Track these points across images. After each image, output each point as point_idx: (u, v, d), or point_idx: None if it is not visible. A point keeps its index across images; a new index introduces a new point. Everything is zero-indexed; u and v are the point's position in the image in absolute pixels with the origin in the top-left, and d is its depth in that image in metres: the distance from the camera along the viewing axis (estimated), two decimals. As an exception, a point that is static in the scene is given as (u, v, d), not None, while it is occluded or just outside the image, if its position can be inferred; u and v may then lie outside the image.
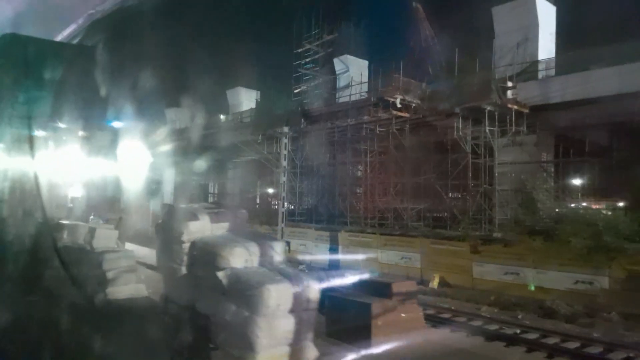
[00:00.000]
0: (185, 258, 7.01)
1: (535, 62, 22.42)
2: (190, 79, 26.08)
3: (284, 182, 22.55)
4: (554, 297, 14.15)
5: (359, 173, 28.25)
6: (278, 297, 5.57)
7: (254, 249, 6.53)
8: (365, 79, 30.55)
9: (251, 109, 36.27)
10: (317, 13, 32.18)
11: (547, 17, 23.25)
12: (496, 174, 21.06)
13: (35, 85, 5.30)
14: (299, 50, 33.62)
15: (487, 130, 20.43)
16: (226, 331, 5.85)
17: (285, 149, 22.40)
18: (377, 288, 8.55)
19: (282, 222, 22.61)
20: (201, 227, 7.06)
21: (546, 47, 23.26)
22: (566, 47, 23.73)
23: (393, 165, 24.55)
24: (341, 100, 31.08)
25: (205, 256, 6.57)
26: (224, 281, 6.03)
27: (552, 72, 22.35)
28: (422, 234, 19.77)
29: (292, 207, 29.26)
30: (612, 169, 20.44)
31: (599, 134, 21.09)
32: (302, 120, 28.78)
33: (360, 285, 9.31)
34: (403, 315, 7.64)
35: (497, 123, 20.58)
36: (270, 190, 33.83)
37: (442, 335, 9.94)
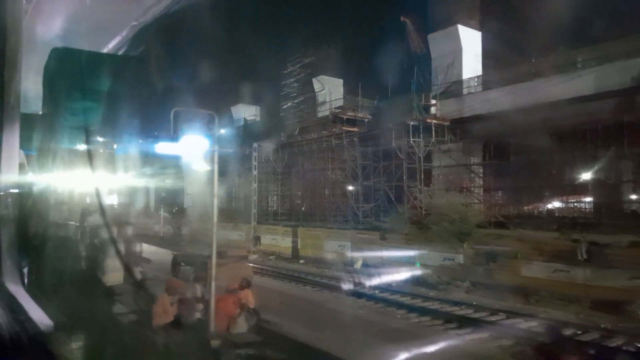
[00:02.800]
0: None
1: (460, 81, 26.63)
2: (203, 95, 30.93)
3: (255, 188, 27.66)
4: (431, 271, 18.60)
5: (323, 179, 32.97)
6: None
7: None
8: (340, 96, 35.29)
9: (239, 125, 41.13)
10: (299, 37, 37.19)
11: (471, 42, 27.37)
12: (420, 177, 25.43)
13: (85, 97, 5.47)
14: (285, 72, 38.73)
15: (411, 141, 24.88)
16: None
17: (255, 161, 27.50)
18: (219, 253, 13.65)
19: (254, 220, 27.76)
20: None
21: (472, 67, 27.38)
22: (494, 66, 27.73)
23: (347, 171, 29.22)
24: (320, 115, 35.89)
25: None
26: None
27: (480, 88, 26.54)
28: (352, 227, 24.37)
29: (275, 208, 34.32)
30: (508, 170, 24.48)
31: (508, 142, 25.13)
32: (282, 134, 33.81)
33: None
34: (232, 267, 12.38)
35: (421, 135, 25.00)
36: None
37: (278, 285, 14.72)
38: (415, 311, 13.63)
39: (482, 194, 25.84)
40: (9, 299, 2.45)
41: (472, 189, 26.07)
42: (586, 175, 21.21)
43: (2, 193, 2.81)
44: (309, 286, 17.50)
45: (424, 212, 19.76)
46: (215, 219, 8.11)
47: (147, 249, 18.47)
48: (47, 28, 5.27)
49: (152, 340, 6.56)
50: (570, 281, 14.92)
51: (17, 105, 2.89)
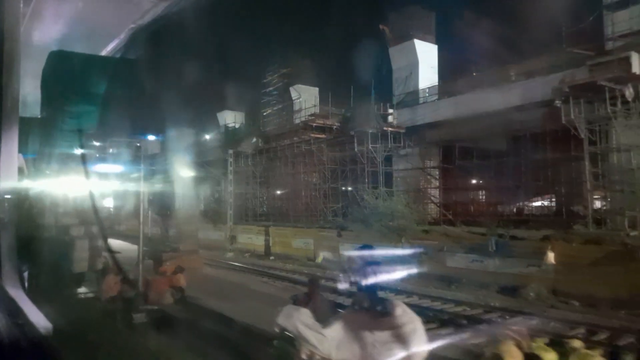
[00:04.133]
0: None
1: (416, 92, 29.10)
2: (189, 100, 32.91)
3: (231, 191, 30.15)
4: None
5: (297, 182, 35.40)
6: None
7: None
8: (316, 103, 37.73)
9: (218, 131, 43.32)
10: (279, 48, 39.68)
11: (428, 55, 29.84)
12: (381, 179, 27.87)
13: (83, 100, 5.47)
14: (265, 81, 41.27)
15: (370, 147, 27.32)
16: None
17: (231, 166, 30.00)
18: (174, 248, 16.16)
19: (230, 221, 30.25)
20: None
21: (430, 78, 29.83)
22: (446, 77, 30.23)
23: (317, 174, 31.69)
24: (296, 121, 38.33)
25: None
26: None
27: (435, 97, 28.99)
28: (321, 226, 26.82)
29: (255, 209, 36.79)
30: (456, 173, 26.96)
31: (455, 147, 27.57)
32: (260, 140, 36.25)
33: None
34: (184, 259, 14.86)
35: (379, 141, 27.44)
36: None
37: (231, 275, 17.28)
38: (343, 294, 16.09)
39: (437, 195, 28.31)
40: (8, 302, 2.44)
41: (429, 190, 28.54)
42: (520, 177, 23.64)
43: (1, 197, 2.80)
44: (257, 276, 20.01)
45: (368, 212, 22.16)
46: (141, 226, 10.57)
47: (126, 246, 21.07)
48: (45, 32, 5.30)
49: (98, 307, 8.99)
50: (484, 270, 17.39)
51: (16, 109, 2.90)
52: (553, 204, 26.03)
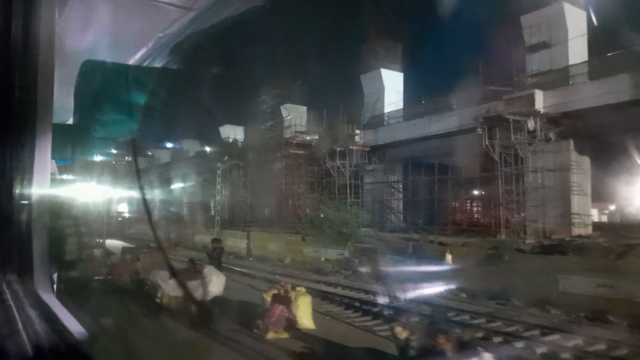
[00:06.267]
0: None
1: (382, 115, 32.98)
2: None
3: (218, 199, 34.34)
4: (331, 263, 24.86)
5: (281, 192, 39.43)
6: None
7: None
8: (304, 121, 41.86)
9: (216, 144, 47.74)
10: (272, 70, 43.93)
11: (394, 82, 33.73)
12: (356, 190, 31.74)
13: (114, 108, 5.23)
14: (259, 99, 45.50)
15: (338, 164, 31.27)
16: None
17: (219, 177, 34.22)
18: (150, 248, 20.19)
19: (217, 226, 34.43)
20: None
21: (395, 103, 33.65)
22: (412, 102, 34.01)
23: (296, 186, 35.71)
24: (287, 137, 42.46)
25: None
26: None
27: (399, 119, 32.83)
28: (288, 231, 30.76)
29: (245, 216, 40.90)
30: (408, 186, 30.72)
31: (408, 164, 31.31)
32: (249, 153, 40.49)
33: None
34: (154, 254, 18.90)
35: (347, 158, 31.36)
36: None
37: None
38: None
39: (398, 205, 32.13)
40: (43, 307, 2.38)
41: (392, 201, 32.35)
42: (458, 191, 27.33)
43: (34, 202, 2.74)
44: (229, 272, 23.93)
45: (323, 220, 26.04)
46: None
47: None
48: (74, 40, 5.39)
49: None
50: (405, 268, 21.14)
51: (50, 116, 2.88)
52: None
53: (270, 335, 7.55)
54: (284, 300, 8.35)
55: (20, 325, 2.08)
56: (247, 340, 7.69)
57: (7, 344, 1.87)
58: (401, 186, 32.71)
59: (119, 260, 15.88)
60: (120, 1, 4.93)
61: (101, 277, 13.48)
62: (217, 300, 8.85)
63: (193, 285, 8.64)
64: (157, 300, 9.13)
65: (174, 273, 8.93)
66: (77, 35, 5.33)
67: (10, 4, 2.63)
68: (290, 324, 7.73)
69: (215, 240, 15.69)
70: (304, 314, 8.23)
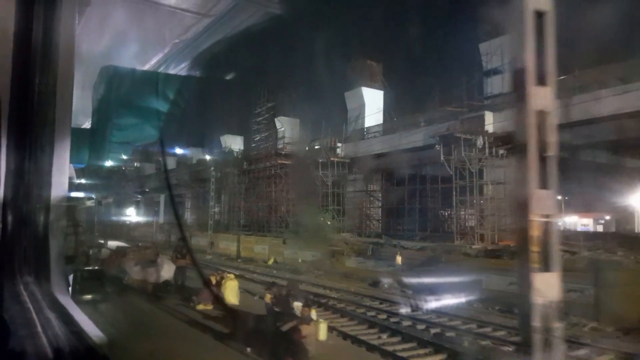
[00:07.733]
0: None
1: (362, 129, 35.80)
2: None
3: (213, 204, 37.32)
4: (307, 264, 27.61)
5: (271, 198, 42.32)
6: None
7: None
8: (296, 133, 44.84)
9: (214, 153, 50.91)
10: (267, 84, 47.01)
11: (374, 98, 36.56)
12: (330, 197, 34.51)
13: (131, 114, 5.67)
14: (255, 112, 48.57)
15: (320, 174, 34.11)
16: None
17: (213, 185, 37.21)
18: (138, 247, 23.03)
19: (210, 229, 37.42)
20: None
21: (376, 118, 36.46)
22: (389, 118, 36.78)
23: (284, 193, 38.61)
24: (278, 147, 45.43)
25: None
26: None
27: (378, 134, 35.59)
28: (271, 235, 33.60)
29: (240, 220, 43.89)
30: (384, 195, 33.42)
31: (384, 175, 33.99)
32: (244, 162, 43.49)
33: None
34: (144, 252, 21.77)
35: (329, 168, 34.19)
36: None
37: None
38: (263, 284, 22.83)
39: (375, 212, 34.87)
40: (61, 310, 2.41)
41: (371, 208, 35.14)
42: (426, 200, 29.99)
43: (53, 205, 2.76)
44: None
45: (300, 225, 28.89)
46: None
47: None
48: (93, 46, 5.44)
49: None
50: (366, 268, 23.85)
51: (69, 121, 2.94)
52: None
53: (200, 306, 10.35)
54: (214, 283, 11.20)
55: (39, 328, 2.08)
56: (183, 309, 10.38)
57: (27, 346, 1.87)
58: (380, 195, 35.43)
59: (108, 255, 18.80)
60: (138, 8, 5.04)
61: (91, 268, 16.44)
62: (169, 283, 11.74)
63: (150, 270, 11.58)
64: (125, 281, 12.12)
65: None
66: (95, 41, 5.48)
67: (31, 10, 2.64)
68: (218, 300, 10.50)
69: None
70: (231, 293, 11.03)
